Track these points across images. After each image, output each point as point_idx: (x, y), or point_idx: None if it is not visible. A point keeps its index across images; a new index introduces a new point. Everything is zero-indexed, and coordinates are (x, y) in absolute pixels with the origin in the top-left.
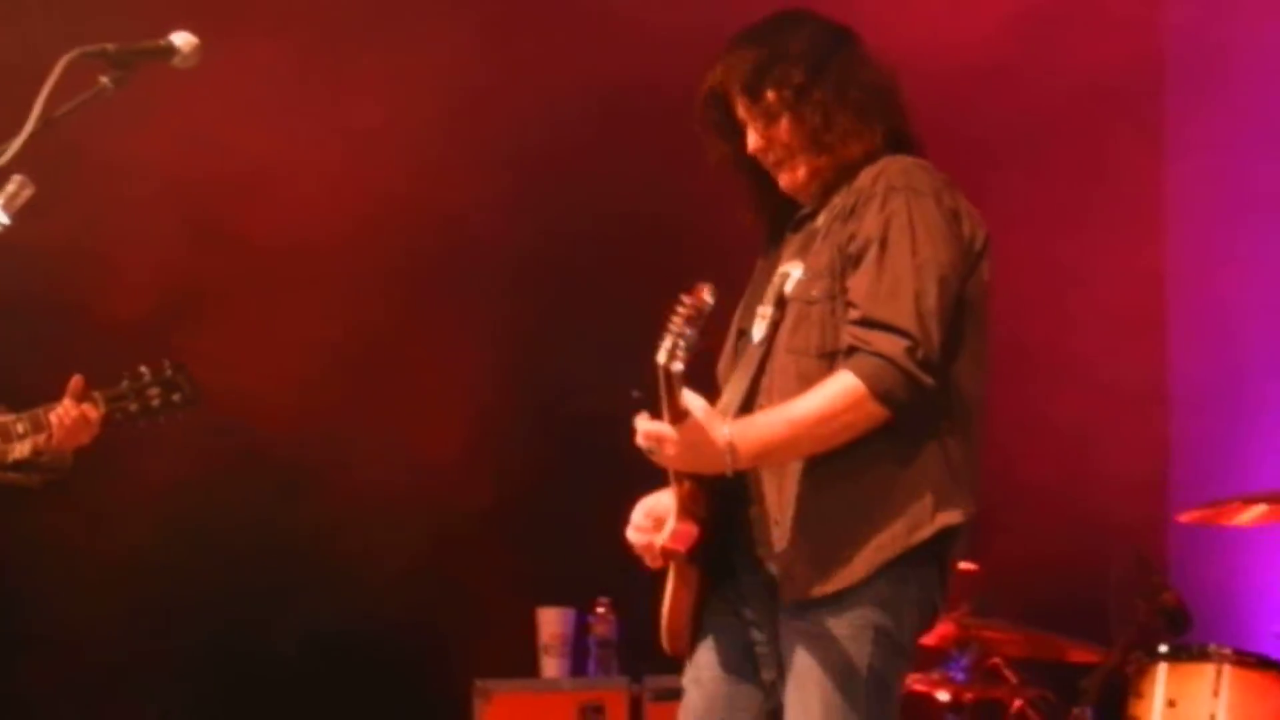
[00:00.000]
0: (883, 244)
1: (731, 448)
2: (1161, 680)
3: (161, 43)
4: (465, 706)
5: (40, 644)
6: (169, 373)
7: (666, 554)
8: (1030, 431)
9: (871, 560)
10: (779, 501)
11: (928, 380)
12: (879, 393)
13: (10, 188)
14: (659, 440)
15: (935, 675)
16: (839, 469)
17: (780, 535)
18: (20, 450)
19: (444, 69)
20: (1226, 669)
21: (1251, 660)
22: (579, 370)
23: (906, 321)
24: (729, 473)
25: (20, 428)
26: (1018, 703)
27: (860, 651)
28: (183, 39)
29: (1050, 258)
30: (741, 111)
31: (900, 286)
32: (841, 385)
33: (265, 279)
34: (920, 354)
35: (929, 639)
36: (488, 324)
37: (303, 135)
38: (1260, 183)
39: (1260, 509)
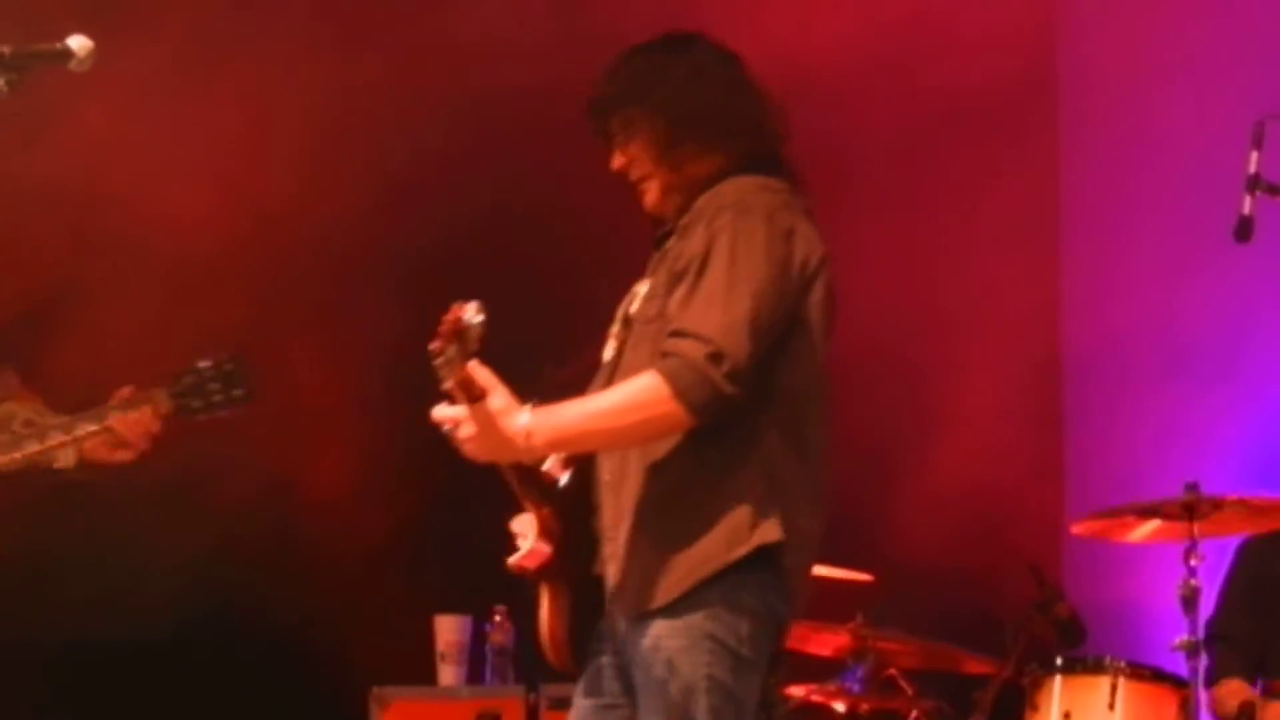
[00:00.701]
0: (704, 260)
1: (528, 434)
2: (1057, 693)
3: (57, 46)
4: (363, 713)
5: None
6: (229, 366)
7: (518, 572)
8: (925, 443)
9: (696, 574)
10: (614, 515)
11: (727, 388)
12: (676, 391)
13: None
14: (454, 423)
15: (831, 686)
16: (665, 482)
17: (614, 549)
18: (65, 459)
19: (311, 76)
20: (1122, 681)
21: (1146, 673)
22: None
23: (712, 330)
24: (527, 460)
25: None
26: (914, 714)
27: (696, 662)
28: (78, 43)
29: (941, 271)
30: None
31: (713, 299)
32: (642, 382)
33: (139, 289)
34: (723, 362)
35: (824, 649)
36: (375, 331)
37: (172, 142)
38: (1148, 198)
39: (1153, 524)
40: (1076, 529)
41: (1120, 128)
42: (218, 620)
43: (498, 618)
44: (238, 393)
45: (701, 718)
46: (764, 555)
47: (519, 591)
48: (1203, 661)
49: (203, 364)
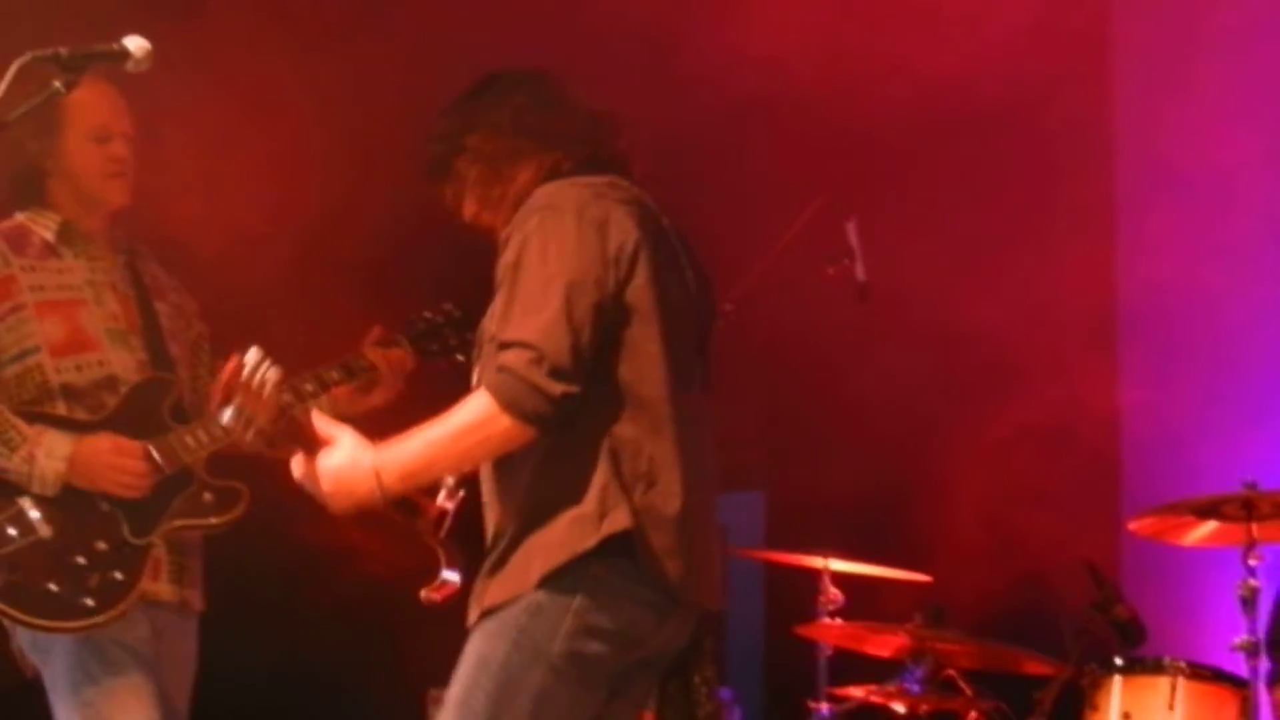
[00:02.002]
0: (516, 267)
1: (376, 474)
2: (1116, 693)
3: (115, 47)
4: (421, 714)
5: None
6: (457, 314)
7: (430, 605)
8: (982, 443)
9: (539, 570)
10: (491, 531)
11: (554, 387)
12: (504, 405)
13: None
14: (310, 479)
15: (890, 687)
16: (519, 489)
17: (488, 560)
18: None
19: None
20: (1181, 682)
21: (1206, 673)
22: None
23: (529, 334)
24: (380, 500)
25: (309, 386)
26: (973, 715)
27: (495, 647)
28: (135, 44)
29: (998, 268)
30: None
31: (529, 304)
32: (474, 403)
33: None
34: (544, 363)
35: (882, 650)
36: None
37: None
38: (1204, 185)
39: (1211, 526)
40: (1133, 526)
41: (1175, 111)
42: (283, 622)
43: None
44: (470, 336)
45: (476, 698)
46: (617, 545)
47: None
48: (1264, 663)
49: (428, 313)
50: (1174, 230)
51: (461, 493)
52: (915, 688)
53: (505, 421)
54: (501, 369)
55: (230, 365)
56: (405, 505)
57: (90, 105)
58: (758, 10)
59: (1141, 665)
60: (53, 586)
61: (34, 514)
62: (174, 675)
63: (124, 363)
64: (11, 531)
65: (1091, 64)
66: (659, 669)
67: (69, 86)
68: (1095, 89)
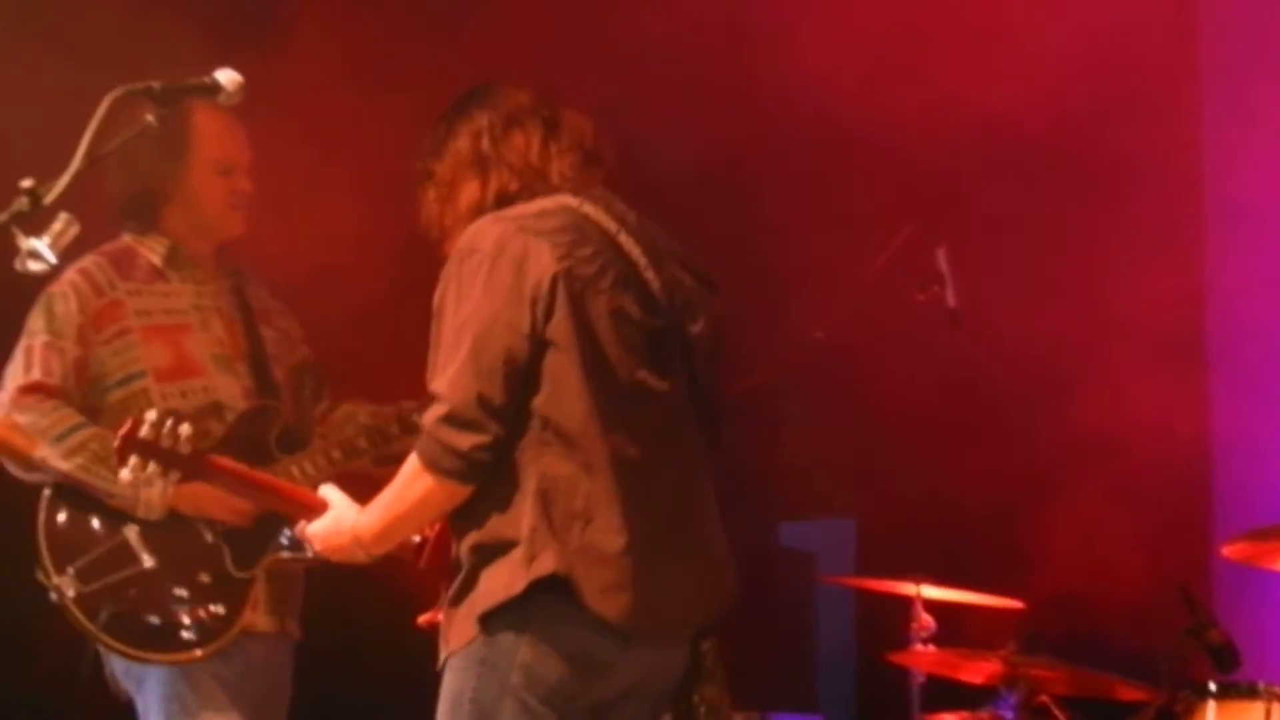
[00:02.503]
0: (437, 315)
1: (356, 538)
2: (1211, 719)
3: (206, 80)
4: None
5: None
6: None
7: (427, 628)
8: (1073, 467)
9: (483, 608)
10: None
11: (461, 441)
12: (426, 465)
13: (56, 226)
14: (307, 538)
15: (984, 713)
16: (464, 535)
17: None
18: None
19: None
20: (1276, 707)
21: None
22: None
23: (440, 387)
24: (367, 560)
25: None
26: None
27: (464, 682)
28: (227, 76)
29: (1086, 291)
30: None
31: (447, 355)
32: (408, 465)
33: None
34: (451, 417)
35: (976, 677)
36: None
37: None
38: None
39: None
40: (1227, 551)
41: (1264, 131)
42: (380, 655)
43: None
44: None
45: None
46: (551, 585)
47: (734, 616)
48: None
49: None
50: (1261, 250)
51: (441, 523)
52: (1009, 714)
53: (429, 480)
54: (423, 427)
55: (125, 428)
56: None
57: (216, 137)
58: (841, 41)
59: (1235, 690)
60: (154, 619)
61: (139, 543)
62: (268, 704)
63: (229, 389)
64: (117, 561)
65: (1179, 84)
66: (654, 699)
67: (161, 120)
68: (1183, 110)
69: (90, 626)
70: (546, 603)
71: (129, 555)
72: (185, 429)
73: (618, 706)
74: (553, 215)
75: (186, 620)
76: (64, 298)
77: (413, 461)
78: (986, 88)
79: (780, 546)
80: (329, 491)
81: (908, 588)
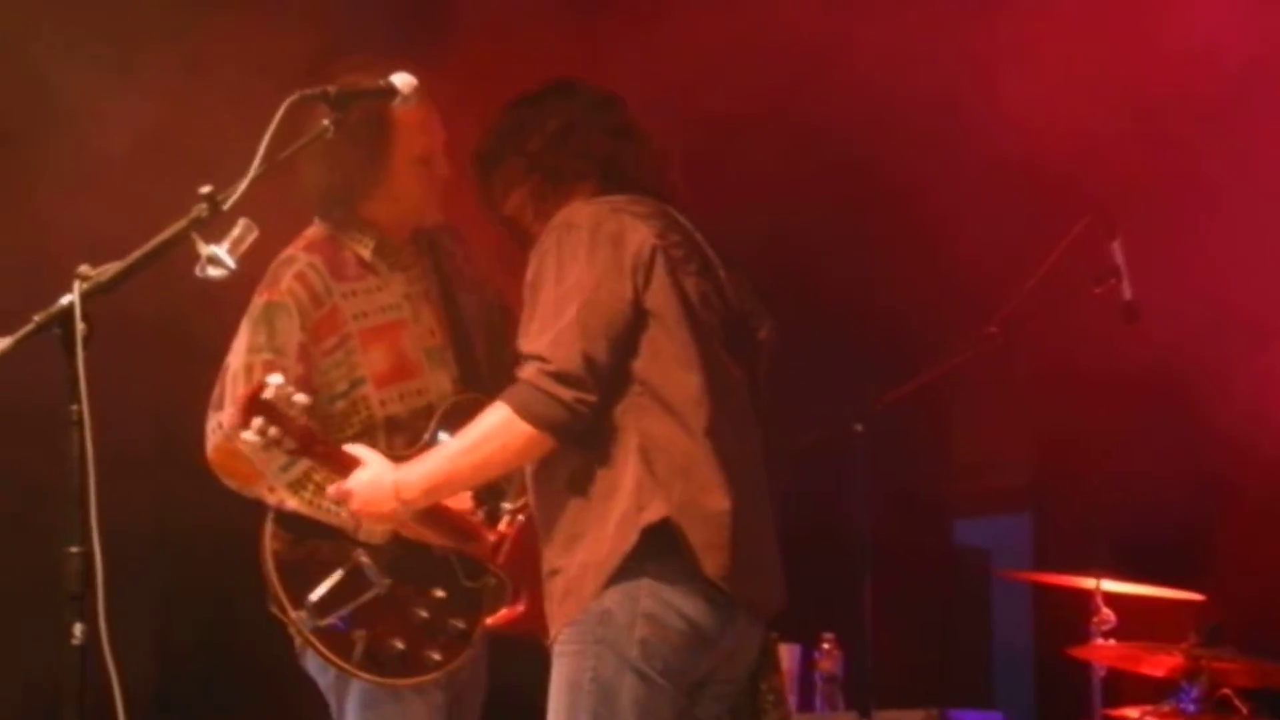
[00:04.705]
0: (534, 286)
1: (397, 490)
2: None
3: (382, 83)
4: None
5: None
6: None
7: (494, 629)
8: (1254, 457)
9: (596, 581)
10: (544, 552)
11: (565, 393)
12: (520, 412)
13: (236, 231)
14: (344, 495)
15: (1166, 707)
16: (558, 503)
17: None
18: None
19: None
20: None
21: None
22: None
23: (543, 347)
24: (405, 514)
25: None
26: None
27: (580, 666)
28: (403, 80)
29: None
30: None
31: (544, 318)
32: (493, 414)
33: None
34: (556, 372)
35: (1157, 670)
36: None
37: None
38: None
39: None
40: None
41: None
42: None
43: (826, 645)
44: None
45: (578, 712)
46: (658, 539)
47: (847, 618)
48: None
49: None
50: None
51: (521, 519)
52: (1191, 707)
53: (522, 429)
54: (519, 379)
55: (251, 387)
56: (464, 532)
57: (417, 128)
58: (1013, 34)
59: None
60: (400, 644)
61: (372, 567)
62: (468, 699)
63: (440, 386)
64: (353, 587)
65: None
66: (732, 685)
67: (336, 125)
68: None
69: (344, 664)
70: (662, 561)
71: (364, 580)
72: (301, 398)
73: (706, 689)
74: (643, 203)
75: (431, 640)
76: (285, 311)
77: (498, 411)
78: (1154, 74)
79: (956, 543)
80: (358, 449)
81: (1087, 582)
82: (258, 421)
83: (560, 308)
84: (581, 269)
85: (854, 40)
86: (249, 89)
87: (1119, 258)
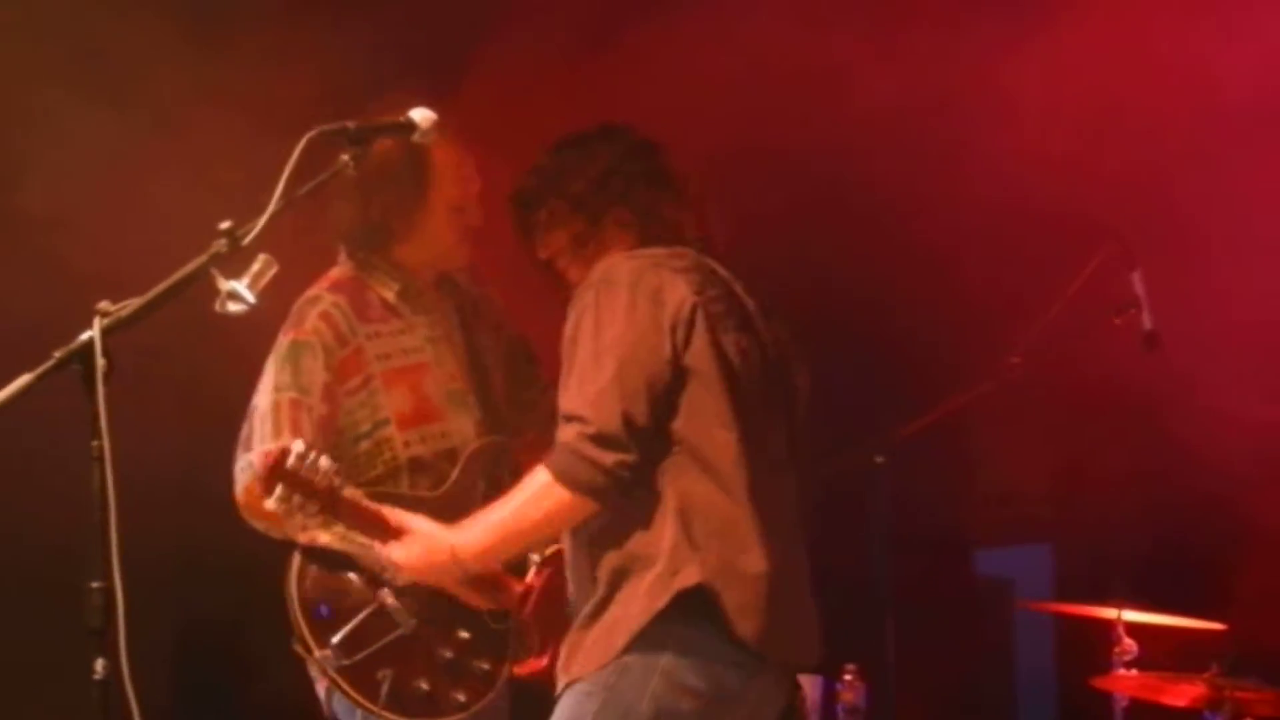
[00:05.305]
0: (573, 340)
1: (453, 553)
2: None
3: (401, 119)
4: None
5: None
6: None
7: (518, 679)
8: (1275, 487)
9: (624, 636)
10: (572, 597)
11: (605, 458)
12: (560, 478)
13: (256, 267)
14: (394, 565)
15: None
16: (594, 555)
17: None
18: None
19: None
20: None
21: None
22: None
23: (582, 407)
24: (462, 577)
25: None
26: None
27: (585, 707)
28: (421, 115)
29: None
30: None
31: (583, 377)
32: (535, 479)
33: None
34: (596, 434)
35: (1179, 699)
36: None
37: None
38: None
39: None
40: None
41: None
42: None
43: (848, 676)
44: None
45: None
46: (690, 602)
47: (870, 650)
48: None
49: None
50: None
51: (549, 570)
52: None
53: (564, 495)
54: (559, 442)
55: (274, 452)
56: (490, 584)
57: (452, 174)
58: (1031, 60)
59: None
60: (424, 685)
61: (396, 607)
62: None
63: (463, 430)
64: (378, 627)
65: None
66: None
67: (356, 160)
68: None
69: (369, 704)
70: (692, 623)
71: (389, 620)
72: (324, 462)
73: None
74: (682, 257)
75: (456, 682)
76: (310, 350)
77: (540, 476)
78: (1176, 107)
79: (977, 573)
80: (407, 517)
81: (1109, 612)
82: (280, 489)
83: (599, 365)
84: (621, 326)
85: (873, 73)
86: (258, 135)
87: (1139, 288)
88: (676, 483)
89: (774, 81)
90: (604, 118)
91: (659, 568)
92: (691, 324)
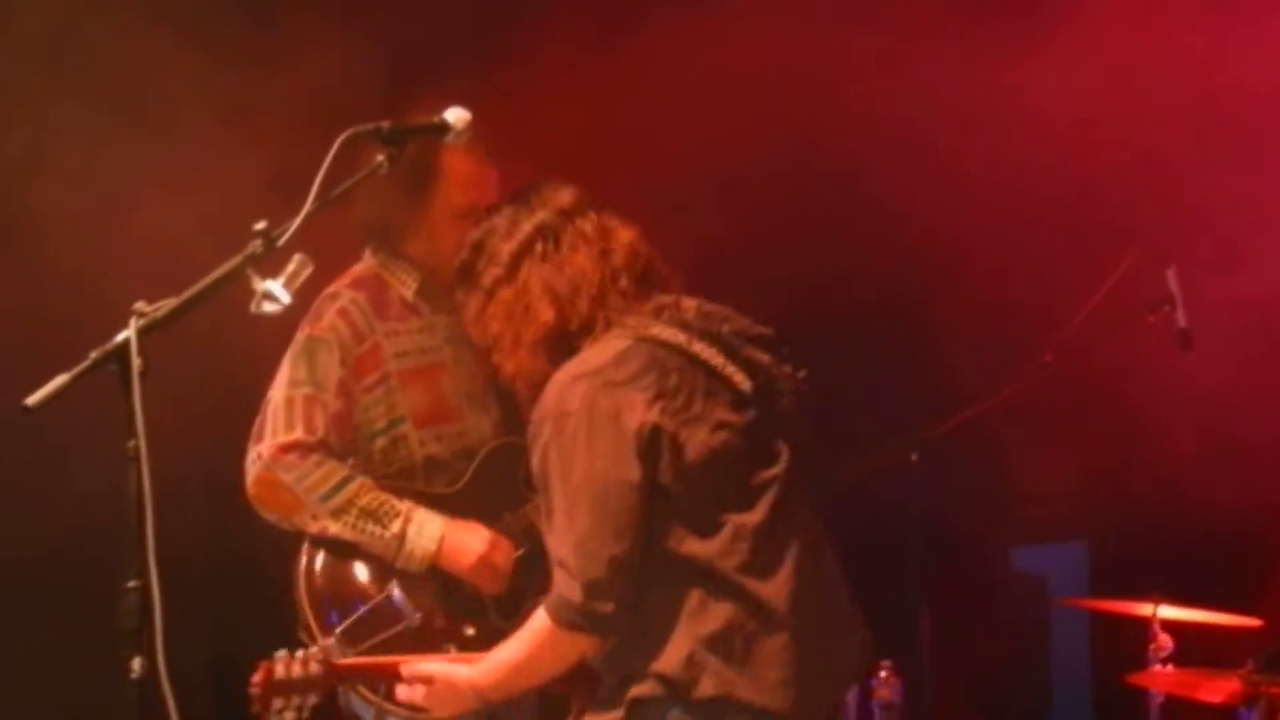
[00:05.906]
0: (542, 477)
1: (477, 691)
2: None
3: (435, 120)
4: None
5: None
6: None
7: None
8: None
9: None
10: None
11: (597, 606)
12: (557, 623)
13: (291, 267)
14: (421, 709)
15: None
16: (608, 664)
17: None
18: None
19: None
20: None
21: None
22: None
23: (567, 554)
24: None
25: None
26: None
27: None
28: (456, 114)
29: None
30: None
31: (562, 523)
32: (538, 624)
33: None
34: (585, 585)
35: (1215, 696)
36: None
37: None
38: None
39: None
40: None
41: None
42: None
43: (884, 673)
44: None
45: None
46: (714, 707)
47: (905, 646)
48: None
49: None
50: None
51: None
52: None
53: (561, 636)
54: (554, 587)
55: (259, 676)
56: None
57: (460, 180)
58: (1067, 57)
59: None
60: None
61: (404, 599)
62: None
63: (480, 430)
64: (383, 619)
65: None
66: None
67: (391, 161)
68: None
69: (372, 696)
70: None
71: (395, 612)
72: (312, 652)
73: None
74: (629, 359)
75: None
76: (327, 346)
77: (543, 620)
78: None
79: (1013, 571)
80: (420, 664)
81: (1144, 608)
82: (278, 703)
83: (575, 510)
84: (584, 462)
85: (899, 80)
86: (289, 137)
87: (1173, 285)
88: (679, 591)
89: (812, 90)
90: (604, 118)
91: (674, 674)
92: (657, 444)
